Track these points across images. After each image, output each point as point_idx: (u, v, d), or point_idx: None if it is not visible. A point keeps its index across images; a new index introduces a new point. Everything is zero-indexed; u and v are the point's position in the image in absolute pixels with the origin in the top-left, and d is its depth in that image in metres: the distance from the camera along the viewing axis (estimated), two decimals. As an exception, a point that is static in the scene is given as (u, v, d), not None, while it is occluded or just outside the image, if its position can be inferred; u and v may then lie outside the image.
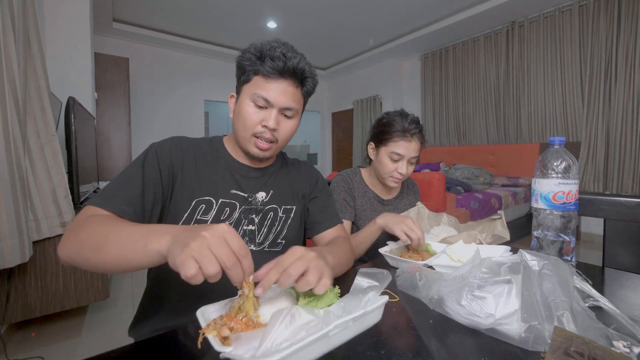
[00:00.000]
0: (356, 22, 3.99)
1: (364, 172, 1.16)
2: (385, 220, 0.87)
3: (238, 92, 0.72)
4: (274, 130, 0.68)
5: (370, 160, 1.13)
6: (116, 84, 3.40)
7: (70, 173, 1.68)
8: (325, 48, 4.95)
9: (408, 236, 0.80)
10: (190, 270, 0.36)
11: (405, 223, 0.81)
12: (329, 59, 5.52)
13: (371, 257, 1.11)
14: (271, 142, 0.70)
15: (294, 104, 0.69)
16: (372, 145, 1.09)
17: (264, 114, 0.67)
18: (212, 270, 0.37)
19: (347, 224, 1.03)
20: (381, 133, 1.04)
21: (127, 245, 0.45)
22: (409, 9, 3.65)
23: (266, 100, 0.66)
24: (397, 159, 1.01)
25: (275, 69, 0.64)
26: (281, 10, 3.72)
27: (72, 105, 1.67)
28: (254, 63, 0.66)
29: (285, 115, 0.70)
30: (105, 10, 3.40)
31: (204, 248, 0.37)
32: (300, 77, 0.68)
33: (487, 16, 3.66)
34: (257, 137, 0.69)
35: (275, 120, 0.67)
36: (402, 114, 1.04)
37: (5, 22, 1.19)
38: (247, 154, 0.72)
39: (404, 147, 1.00)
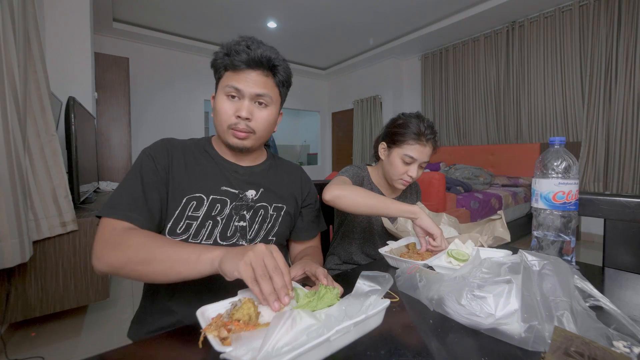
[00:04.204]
0: (356, 22, 3.99)
1: (371, 170, 1.15)
2: (422, 216, 0.78)
3: (215, 91, 0.75)
4: (247, 119, 0.69)
5: (378, 159, 1.12)
6: (116, 84, 3.40)
7: (70, 173, 1.68)
8: (325, 48, 4.95)
9: (432, 241, 0.78)
10: (248, 273, 0.46)
11: (439, 229, 0.78)
12: (329, 59, 5.52)
13: (369, 260, 1.11)
14: (248, 132, 0.71)
15: (265, 91, 0.70)
16: (383, 145, 1.07)
17: (237, 105, 0.69)
18: (260, 272, 0.46)
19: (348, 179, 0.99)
20: (395, 134, 1.02)
21: (179, 258, 0.53)
22: (409, 9, 3.65)
23: (237, 90, 0.68)
24: (409, 161, 0.99)
25: (242, 60, 0.67)
26: (281, 10, 3.72)
27: (72, 105, 1.67)
28: (223, 59, 0.69)
29: (259, 103, 0.71)
30: (105, 10, 3.40)
31: (259, 259, 0.47)
32: (269, 66, 0.69)
33: (487, 16, 3.66)
34: (233, 129, 0.70)
35: (248, 109, 0.69)
36: (419, 117, 1.02)
37: (5, 22, 1.19)
38: (229, 147, 0.74)
39: (418, 151, 0.98)
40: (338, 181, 0.92)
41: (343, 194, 0.83)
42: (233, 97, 0.69)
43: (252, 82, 0.68)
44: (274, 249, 0.50)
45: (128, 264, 0.55)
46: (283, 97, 0.78)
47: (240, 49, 0.67)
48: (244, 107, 0.68)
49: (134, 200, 0.64)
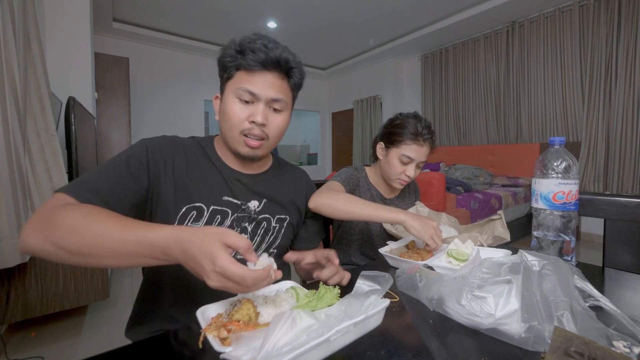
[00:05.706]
0: (356, 21, 3.99)
1: (369, 170, 1.15)
2: (412, 223, 0.76)
3: (222, 91, 0.68)
4: (262, 125, 0.64)
5: (376, 159, 1.12)
6: (116, 84, 3.40)
7: (70, 173, 1.68)
8: (325, 48, 4.94)
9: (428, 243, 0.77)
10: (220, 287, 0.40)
11: (435, 230, 0.76)
12: (329, 59, 5.51)
13: (368, 261, 1.11)
14: (262, 139, 0.66)
15: (281, 95, 0.65)
16: (381, 145, 1.08)
17: (250, 109, 0.64)
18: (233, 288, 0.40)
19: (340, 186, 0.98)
20: (393, 134, 1.02)
21: (123, 247, 0.44)
22: (409, 8, 3.65)
23: (252, 94, 0.62)
24: (406, 161, 1.00)
25: (258, 60, 0.61)
26: (281, 10, 3.72)
27: (72, 105, 1.67)
28: (236, 58, 0.63)
29: (274, 109, 0.66)
30: (105, 10, 3.40)
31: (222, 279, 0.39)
32: (285, 68, 0.65)
33: (487, 16, 3.66)
34: (246, 135, 0.65)
35: (263, 114, 0.63)
36: (416, 117, 1.02)
37: (5, 22, 1.19)
38: (238, 155, 0.68)
39: (415, 151, 0.99)
40: (326, 188, 0.90)
41: (326, 202, 0.80)
42: (246, 101, 0.63)
43: (269, 85, 0.63)
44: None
45: (61, 244, 0.44)
46: (294, 101, 0.73)
47: (256, 47, 0.61)
48: (259, 112, 0.63)
49: (105, 186, 0.55)
